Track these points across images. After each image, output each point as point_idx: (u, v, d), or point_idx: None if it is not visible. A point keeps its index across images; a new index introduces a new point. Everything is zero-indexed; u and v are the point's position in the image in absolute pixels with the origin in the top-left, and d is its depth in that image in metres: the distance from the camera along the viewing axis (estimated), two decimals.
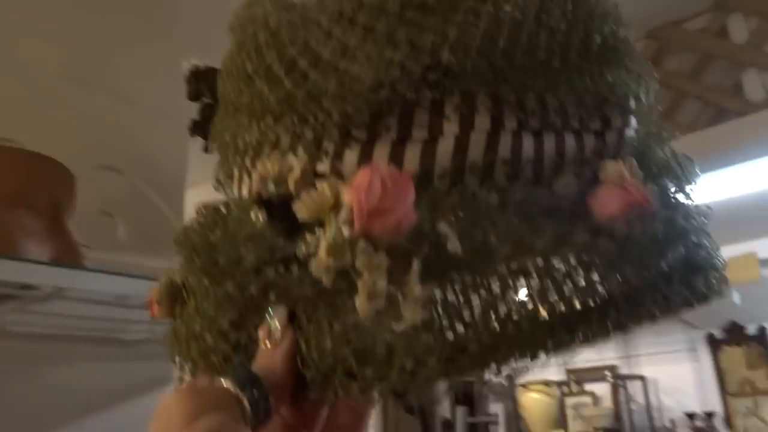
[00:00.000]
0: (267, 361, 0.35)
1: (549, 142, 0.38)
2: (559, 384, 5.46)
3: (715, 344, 5.00)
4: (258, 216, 0.37)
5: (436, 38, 0.35)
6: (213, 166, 0.45)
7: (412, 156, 0.37)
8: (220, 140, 0.43)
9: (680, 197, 0.41)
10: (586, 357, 5.38)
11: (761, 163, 2.48)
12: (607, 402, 5.18)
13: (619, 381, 5.08)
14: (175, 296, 0.43)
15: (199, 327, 0.39)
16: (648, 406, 4.99)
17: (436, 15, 0.36)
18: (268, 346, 0.35)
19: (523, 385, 5.39)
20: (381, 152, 0.37)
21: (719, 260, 0.40)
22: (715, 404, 4.79)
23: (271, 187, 0.37)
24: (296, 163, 0.37)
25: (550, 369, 5.48)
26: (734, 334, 4.90)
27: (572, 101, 0.38)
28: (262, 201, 0.37)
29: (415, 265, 0.32)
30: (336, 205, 0.34)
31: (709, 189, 2.90)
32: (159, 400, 0.32)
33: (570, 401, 5.39)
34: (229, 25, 0.42)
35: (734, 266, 3.73)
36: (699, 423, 4.61)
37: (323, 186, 0.35)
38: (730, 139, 1.74)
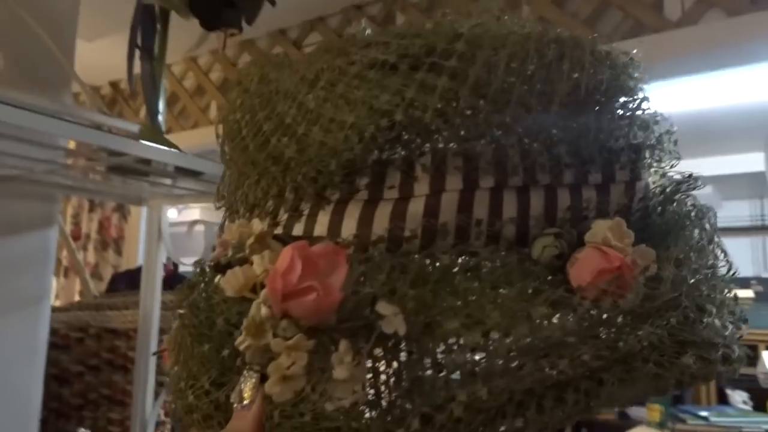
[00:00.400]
0: (238, 424, 0.35)
1: (536, 199, 0.35)
2: None
3: None
4: (220, 281, 0.37)
5: (394, 99, 0.34)
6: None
7: (381, 217, 0.36)
8: (228, 196, 0.44)
9: (694, 257, 0.36)
10: None
11: (673, 83, 2.56)
12: None
13: None
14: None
15: (183, 384, 0.40)
16: None
17: (397, 75, 0.35)
18: (239, 409, 0.35)
19: None
20: (352, 213, 0.36)
21: (729, 335, 0.35)
22: None
23: (230, 252, 0.37)
24: (257, 227, 0.37)
25: None
26: None
27: (565, 153, 0.36)
28: (220, 266, 0.37)
29: (343, 346, 0.31)
30: (264, 284, 0.33)
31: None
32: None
33: None
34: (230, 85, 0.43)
35: None
36: None
37: (257, 260, 0.35)
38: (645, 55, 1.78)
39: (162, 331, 1.23)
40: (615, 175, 0.37)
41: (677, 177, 0.41)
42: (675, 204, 0.39)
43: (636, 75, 0.38)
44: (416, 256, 0.35)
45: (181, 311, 0.41)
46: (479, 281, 0.33)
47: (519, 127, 0.35)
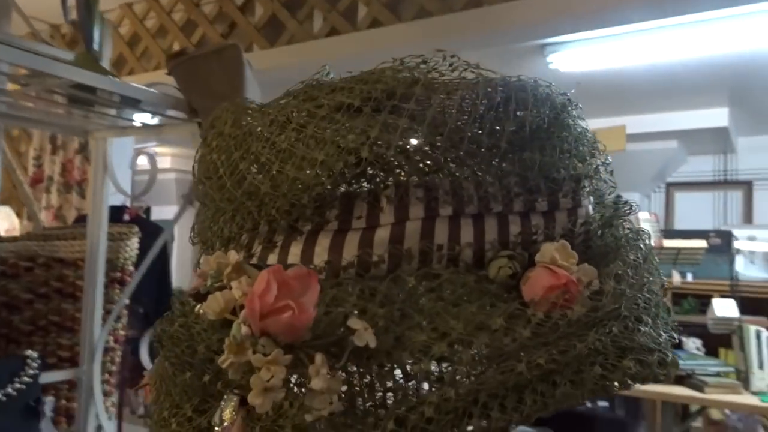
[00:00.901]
0: None
1: (490, 226, 0.39)
2: None
3: None
4: (200, 310, 0.40)
5: (360, 138, 0.37)
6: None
7: (351, 245, 0.39)
8: (202, 232, 0.46)
9: (637, 274, 0.41)
10: None
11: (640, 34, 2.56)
12: None
13: None
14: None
15: (167, 413, 0.42)
16: None
17: (362, 117, 0.38)
18: (220, 431, 0.37)
19: None
20: (323, 242, 0.39)
21: (663, 342, 0.39)
22: None
23: (209, 282, 0.39)
24: (233, 257, 0.39)
25: None
26: None
27: (514, 184, 0.39)
28: (200, 295, 0.39)
29: (318, 359, 0.33)
30: (243, 306, 0.35)
31: (589, 59, 2.99)
32: None
33: None
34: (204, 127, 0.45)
35: (604, 136, 3.98)
36: None
37: (235, 285, 0.37)
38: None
39: (109, 261, 1.24)
40: (559, 203, 0.40)
41: (614, 203, 0.46)
42: (613, 228, 0.43)
43: (574, 113, 0.42)
44: (384, 279, 0.38)
45: (162, 344, 0.43)
46: (442, 300, 0.37)
47: (472, 161, 0.39)
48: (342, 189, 0.39)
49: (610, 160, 0.45)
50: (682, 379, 2.76)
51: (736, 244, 4.21)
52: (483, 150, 0.39)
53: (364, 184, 0.40)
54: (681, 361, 2.81)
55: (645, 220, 3.22)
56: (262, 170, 0.40)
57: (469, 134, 0.38)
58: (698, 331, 3.57)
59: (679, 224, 4.91)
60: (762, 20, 2.59)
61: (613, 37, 2.74)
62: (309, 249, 0.40)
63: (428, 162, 0.39)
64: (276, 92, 0.46)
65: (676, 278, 4.40)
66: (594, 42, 2.75)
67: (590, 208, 0.42)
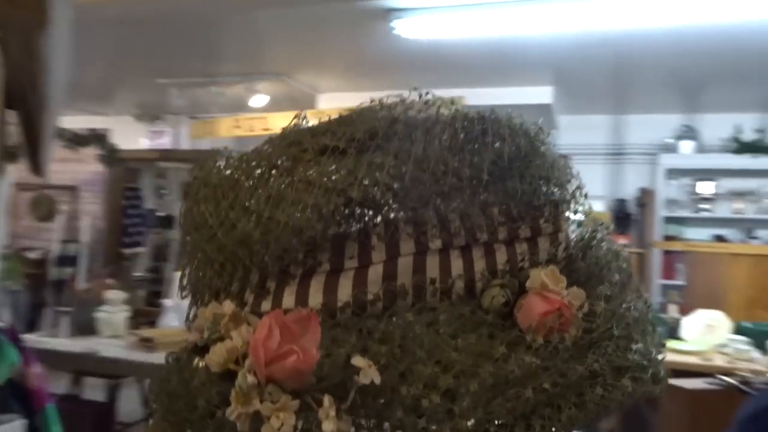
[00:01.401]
0: None
1: (478, 256, 0.40)
2: None
3: None
4: (199, 364, 0.39)
5: (347, 178, 0.38)
6: None
7: (345, 285, 0.39)
8: (191, 284, 0.46)
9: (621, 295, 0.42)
10: None
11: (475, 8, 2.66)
12: None
13: None
14: None
15: None
16: None
17: (348, 157, 0.39)
18: None
19: None
20: (317, 284, 0.40)
21: (654, 357, 0.40)
22: None
23: (207, 335, 0.39)
24: (228, 307, 0.39)
25: None
26: None
27: (498, 214, 0.40)
28: (198, 349, 0.39)
29: (326, 401, 0.33)
30: (245, 354, 0.35)
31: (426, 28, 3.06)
32: None
33: None
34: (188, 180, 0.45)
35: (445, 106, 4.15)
36: None
37: (236, 335, 0.37)
38: None
39: None
40: (541, 228, 0.41)
41: (592, 225, 0.47)
42: (593, 249, 0.44)
43: (547, 140, 0.44)
44: (382, 316, 0.38)
45: (159, 402, 0.42)
46: (440, 333, 0.37)
47: (457, 194, 0.40)
48: (333, 230, 0.39)
49: (584, 183, 0.46)
50: None
51: None
52: (466, 182, 0.40)
53: (354, 224, 0.40)
54: None
55: None
56: (252, 217, 0.40)
57: (452, 168, 0.39)
58: None
59: None
60: (585, 5, 2.81)
61: (455, 7, 2.83)
62: (303, 293, 0.40)
63: (415, 198, 0.40)
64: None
65: None
66: (437, 11, 2.83)
67: (570, 231, 0.44)
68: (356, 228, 0.40)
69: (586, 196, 0.45)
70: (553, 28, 3.61)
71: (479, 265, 0.40)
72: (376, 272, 0.39)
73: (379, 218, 0.40)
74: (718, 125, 4.89)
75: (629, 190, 5.18)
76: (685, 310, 3.02)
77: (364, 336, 0.37)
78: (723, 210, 5.02)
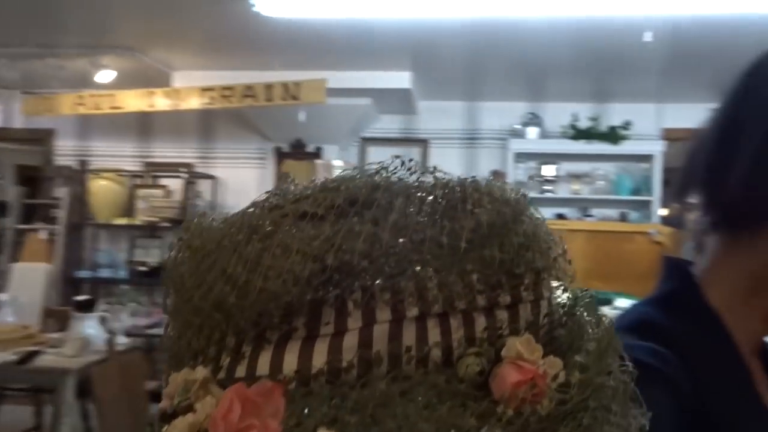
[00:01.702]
0: None
1: (456, 323, 0.39)
2: (133, 175, 5.44)
3: (281, 156, 5.57)
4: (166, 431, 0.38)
5: (325, 245, 0.38)
6: None
7: (320, 352, 0.39)
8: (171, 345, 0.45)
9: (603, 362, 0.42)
10: (166, 152, 5.43)
11: None
12: (177, 196, 5.41)
13: (192, 178, 5.32)
14: None
15: None
16: (213, 203, 5.42)
17: (326, 223, 0.39)
18: None
19: (95, 172, 5.20)
20: (292, 350, 0.39)
21: (633, 429, 0.40)
22: None
23: (176, 401, 0.38)
24: (201, 373, 0.38)
25: (126, 159, 5.37)
26: (297, 149, 5.52)
27: (477, 281, 0.40)
28: (167, 416, 0.38)
29: None
30: (207, 430, 0.35)
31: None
32: None
33: (141, 192, 5.44)
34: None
35: (306, 88, 4.10)
36: None
37: (200, 407, 0.36)
38: None
39: None
40: (521, 296, 0.41)
41: (574, 292, 0.47)
42: (575, 316, 0.44)
43: (530, 209, 0.44)
44: (356, 385, 0.38)
45: None
46: (414, 403, 0.37)
47: (435, 261, 0.39)
48: (309, 295, 0.39)
49: (566, 247, 0.46)
50: None
51: None
52: (444, 250, 0.40)
53: (331, 289, 0.39)
54: None
55: (338, 167, 3.44)
56: (230, 281, 0.39)
57: (430, 236, 0.39)
58: None
59: None
60: None
61: None
62: (278, 358, 0.39)
63: (392, 265, 0.39)
64: None
65: None
66: None
67: (551, 298, 0.44)
68: (333, 294, 0.40)
69: (570, 262, 0.46)
70: (413, 13, 3.68)
71: (457, 333, 0.40)
72: (351, 339, 0.39)
73: (356, 284, 0.40)
74: (558, 113, 5.33)
75: (483, 173, 5.47)
76: None
77: (336, 405, 0.37)
78: (563, 191, 5.49)
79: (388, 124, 5.65)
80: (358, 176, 0.42)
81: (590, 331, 0.44)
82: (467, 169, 5.52)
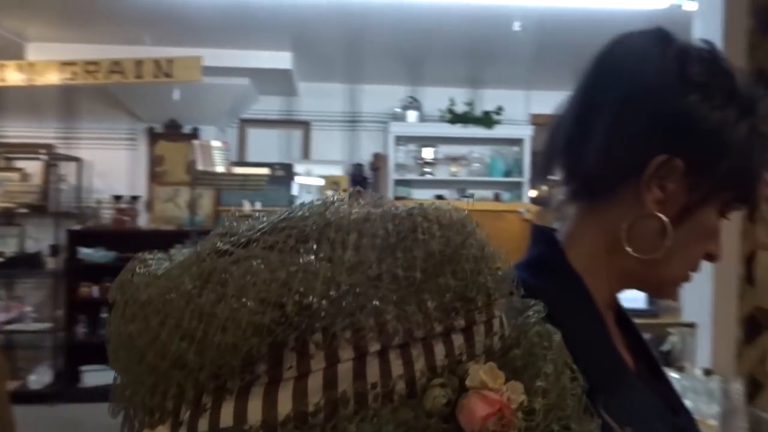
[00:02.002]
0: None
1: (417, 353, 0.40)
2: None
3: (153, 137, 5.28)
4: None
5: (282, 290, 0.37)
6: None
7: (284, 398, 0.38)
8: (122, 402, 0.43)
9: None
10: (21, 132, 4.96)
11: None
12: (37, 180, 4.98)
13: (53, 160, 4.90)
14: None
15: None
16: (79, 187, 5.04)
17: (281, 268, 0.38)
18: None
19: None
20: (255, 398, 0.38)
21: None
22: (141, 189, 5.17)
23: None
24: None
25: None
26: (172, 130, 5.26)
27: (432, 309, 0.40)
28: None
29: None
30: None
31: None
32: None
33: None
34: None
35: (179, 65, 3.90)
36: (123, 204, 4.94)
37: None
38: None
39: None
40: (475, 318, 0.42)
41: (524, 310, 0.47)
42: (527, 334, 0.45)
43: (477, 230, 0.44)
44: (324, 428, 0.37)
45: None
46: None
47: (393, 294, 0.39)
48: (269, 341, 0.38)
49: (514, 270, 0.47)
50: None
51: (296, 177, 4.74)
52: (401, 282, 0.40)
53: (292, 331, 0.38)
54: None
55: (216, 148, 3.32)
56: (186, 337, 0.37)
57: (386, 269, 0.39)
58: None
59: (251, 157, 5.26)
60: None
61: None
62: (241, 408, 0.38)
63: (351, 302, 0.39)
64: None
65: (247, 206, 4.72)
66: None
67: (503, 318, 0.44)
68: (293, 336, 0.38)
69: (517, 285, 0.47)
70: None
71: (418, 362, 0.40)
72: (315, 381, 0.38)
73: (316, 325, 0.38)
74: (436, 97, 5.49)
75: (364, 155, 5.55)
76: None
77: None
78: (442, 173, 5.68)
79: (268, 106, 5.53)
80: (308, 213, 0.41)
81: (544, 346, 0.45)
82: (350, 152, 5.56)
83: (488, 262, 0.44)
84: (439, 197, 5.37)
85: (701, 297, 1.85)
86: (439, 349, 0.40)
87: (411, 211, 0.43)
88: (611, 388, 0.57)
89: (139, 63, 3.89)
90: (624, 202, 0.62)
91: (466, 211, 0.46)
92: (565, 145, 0.65)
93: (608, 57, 0.64)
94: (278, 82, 5.05)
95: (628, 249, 0.61)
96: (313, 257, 0.39)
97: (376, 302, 0.39)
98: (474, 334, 0.42)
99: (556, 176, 0.67)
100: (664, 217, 0.60)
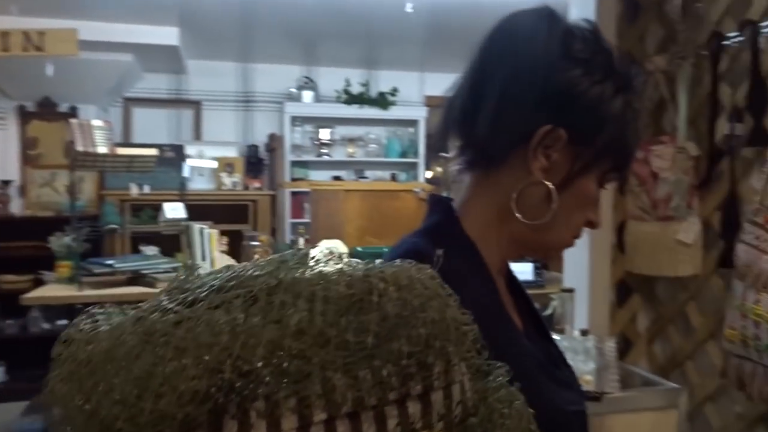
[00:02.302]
0: None
1: (368, 423, 0.38)
2: None
3: (26, 116, 4.89)
4: None
5: (222, 354, 0.36)
6: None
7: None
8: None
9: None
10: None
11: None
12: None
13: None
14: None
15: None
16: None
17: (224, 332, 0.36)
18: None
19: None
20: None
21: None
22: (13, 173, 4.78)
23: None
24: None
25: None
26: (47, 108, 4.89)
27: (385, 375, 0.38)
28: None
29: None
30: None
31: None
32: None
33: None
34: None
35: (52, 38, 3.61)
36: None
37: None
38: None
39: None
40: (433, 384, 0.40)
41: (486, 374, 0.46)
42: (486, 401, 0.43)
43: (441, 293, 0.43)
44: None
45: None
46: None
47: (342, 360, 0.38)
48: (208, 406, 0.36)
49: (476, 330, 0.45)
50: (136, 279, 2.86)
51: (188, 160, 4.55)
52: (351, 347, 0.38)
53: (233, 397, 0.36)
54: (129, 264, 2.89)
55: (98, 128, 3.12)
56: (119, 403, 0.35)
57: (335, 335, 0.38)
58: (156, 239, 3.76)
59: (138, 138, 5.00)
60: None
61: None
62: None
63: (296, 370, 0.37)
64: None
65: (134, 190, 4.50)
66: None
67: (465, 382, 0.43)
68: (234, 401, 0.36)
69: (479, 350, 0.45)
70: None
71: (369, 431, 0.38)
72: None
73: (258, 391, 0.36)
74: (332, 78, 5.48)
75: (259, 137, 5.44)
76: (311, 243, 3.38)
77: None
78: (339, 154, 5.69)
79: (154, 84, 5.26)
80: (259, 271, 0.40)
81: (503, 414, 0.44)
82: (245, 133, 5.43)
83: (449, 326, 0.42)
84: (337, 178, 5.39)
85: (579, 264, 2.00)
86: (392, 419, 0.39)
87: (368, 272, 0.41)
88: (502, 346, 0.61)
89: (5, 35, 3.55)
90: (514, 170, 0.65)
91: (430, 271, 0.44)
92: (460, 115, 0.68)
93: (499, 33, 0.67)
94: (165, 59, 4.81)
95: (518, 215, 0.65)
96: (259, 319, 0.37)
97: (323, 369, 0.37)
98: (432, 402, 0.40)
99: (451, 152, 0.71)
100: (549, 184, 0.64)
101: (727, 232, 1.74)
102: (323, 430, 0.37)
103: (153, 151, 3.32)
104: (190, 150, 4.95)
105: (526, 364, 0.63)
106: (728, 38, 1.77)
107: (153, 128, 5.17)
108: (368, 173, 5.60)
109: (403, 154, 5.64)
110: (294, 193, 5.26)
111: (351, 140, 5.61)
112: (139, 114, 5.21)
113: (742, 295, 1.43)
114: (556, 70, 0.63)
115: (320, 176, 5.40)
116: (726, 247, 1.71)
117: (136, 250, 3.96)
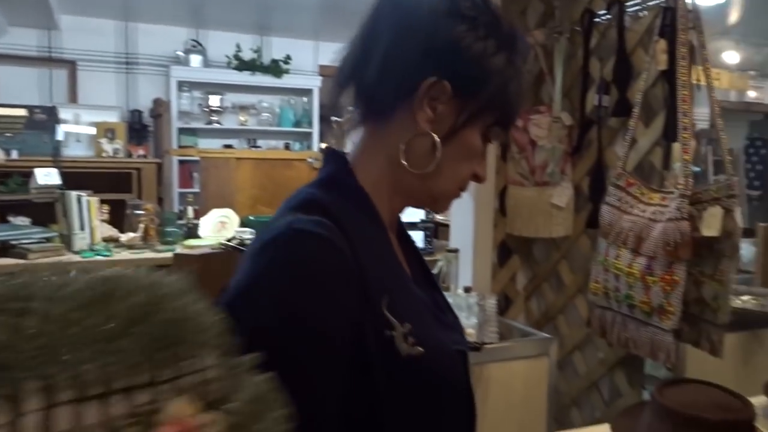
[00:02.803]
0: None
1: (116, 402, 0.40)
2: None
3: None
4: None
5: None
6: None
7: None
8: None
9: None
10: None
11: None
12: None
13: None
14: None
15: None
16: None
17: None
18: None
19: None
20: None
21: None
22: None
23: None
24: None
25: None
26: None
27: (134, 361, 0.41)
28: None
29: None
30: None
31: None
32: None
33: None
34: None
35: None
36: None
37: None
38: None
39: None
40: (181, 368, 0.44)
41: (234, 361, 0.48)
42: (237, 388, 0.46)
43: (184, 289, 0.46)
44: None
45: None
46: None
47: (87, 347, 0.39)
48: None
49: (226, 324, 0.48)
50: (5, 251, 2.69)
51: (62, 124, 4.25)
52: (96, 336, 0.40)
53: None
54: (4, 234, 2.70)
55: None
56: None
57: (82, 327, 0.40)
58: (26, 209, 3.51)
59: (3, 99, 4.58)
60: None
61: None
62: None
63: (41, 354, 0.38)
64: None
65: (1, 156, 4.15)
66: None
67: (208, 370, 0.45)
68: None
69: (227, 340, 0.47)
70: None
71: (116, 410, 0.40)
72: None
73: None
74: (222, 42, 5.30)
75: (144, 102, 5.18)
76: (201, 213, 3.30)
77: None
78: (230, 122, 5.55)
79: (22, 40, 4.82)
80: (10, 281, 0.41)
81: (257, 399, 0.47)
82: (127, 97, 5.14)
83: (191, 317, 0.45)
84: (228, 146, 5.25)
85: (464, 227, 2.12)
86: (143, 398, 0.41)
87: (111, 274, 0.44)
88: (393, 291, 0.66)
89: None
90: (402, 123, 0.69)
91: (172, 276, 0.47)
92: (352, 70, 0.71)
93: None
94: (33, 12, 4.42)
95: (405, 164, 0.69)
96: None
97: (68, 355, 0.39)
98: (182, 384, 0.43)
99: (343, 116, 0.74)
100: (435, 135, 0.68)
101: (594, 196, 1.91)
102: (69, 410, 0.39)
103: (21, 112, 3.06)
104: (64, 113, 4.62)
105: (415, 308, 0.68)
106: (598, 16, 1.92)
107: (21, 88, 4.76)
108: (261, 142, 5.50)
109: (297, 124, 5.59)
110: (182, 162, 5.08)
111: (243, 108, 5.48)
112: (4, 72, 4.78)
113: (605, 252, 1.58)
114: (443, 24, 0.67)
115: (210, 144, 5.24)
116: (593, 209, 1.88)
117: (4, 221, 3.68)
